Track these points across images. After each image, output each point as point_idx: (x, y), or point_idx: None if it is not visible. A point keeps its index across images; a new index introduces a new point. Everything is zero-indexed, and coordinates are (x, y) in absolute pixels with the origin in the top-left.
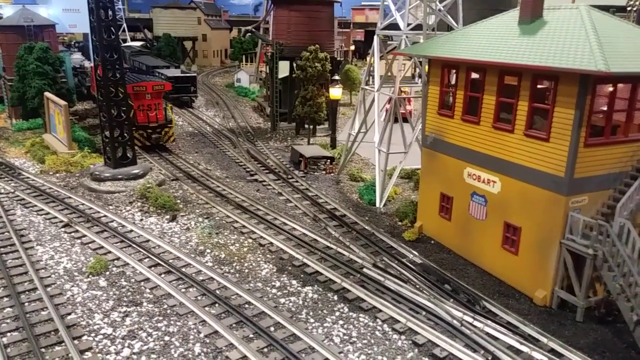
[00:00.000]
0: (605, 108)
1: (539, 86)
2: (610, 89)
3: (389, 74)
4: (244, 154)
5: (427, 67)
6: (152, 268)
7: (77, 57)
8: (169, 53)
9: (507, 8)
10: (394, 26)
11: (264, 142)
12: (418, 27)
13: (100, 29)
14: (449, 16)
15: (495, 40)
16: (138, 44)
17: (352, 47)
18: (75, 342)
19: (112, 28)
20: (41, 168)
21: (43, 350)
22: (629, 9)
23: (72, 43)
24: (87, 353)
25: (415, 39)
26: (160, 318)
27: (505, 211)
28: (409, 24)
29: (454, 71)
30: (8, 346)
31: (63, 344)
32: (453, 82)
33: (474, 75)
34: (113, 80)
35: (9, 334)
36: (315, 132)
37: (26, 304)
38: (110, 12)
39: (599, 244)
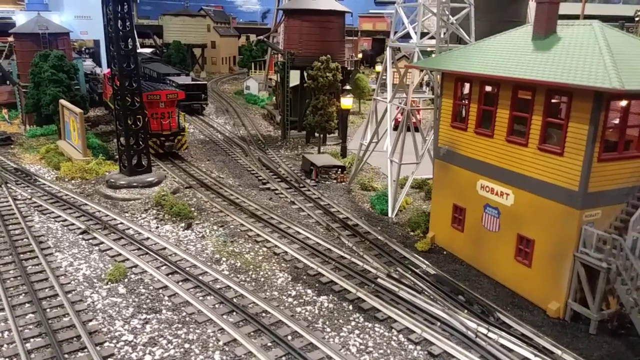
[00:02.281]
0: (618, 122)
1: (552, 101)
2: (624, 104)
3: (401, 83)
4: (255, 162)
5: (439, 79)
6: (170, 276)
7: (88, 63)
8: (178, 60)
9: (518, 20)
10: (405, 35)
11: (275, 151)
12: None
13: (118, 39)
14: (461, 29)
15: (509, 54)
16: (148, 50)
17: (360, 56)
18: (98, 348)
19: (129, 38)
20: (57, 174)
21: (66, 356)
22: (636, 19)
23: (83, 49)
24: (109, 359)
25: (425, 48)
26: (180, 325)
27: (519, 223)
28: (422, 34)
29: (467, 84)
30: (32, 352)
31: (86, 350)
32: (466, 95)
33: (488, 89)
34: (130, 90)
35: (32, 340)
36: (325, 140)
37: (48, 310)
38: (127, 23)
39: (612, 258)
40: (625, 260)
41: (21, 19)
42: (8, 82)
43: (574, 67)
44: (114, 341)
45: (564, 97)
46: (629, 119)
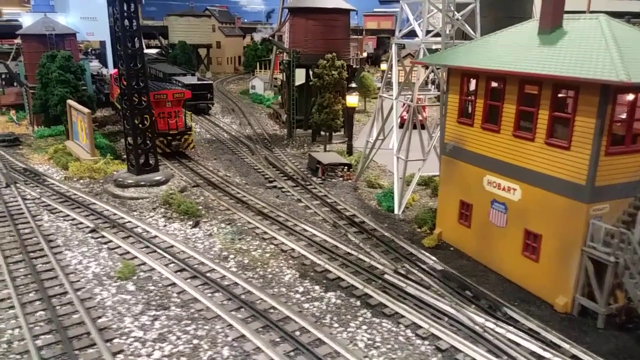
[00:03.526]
0: (625, 115)
1: (559, 95)
2: (631, 97)
3: (406, 81)
4: (262, 161)
5: (445, 75)
6: (178, 273)
7: (94, 64)
8: (184, 60)
9: (523, 15)
10: (410, 33)
11: (281, 149)
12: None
13: (125, 38)
14: (466, 25)
15: (515, 49)
16: (154, 51)
17: (365, 54)
18: (108, 344)
19: (136, 38)
20: (65, 174)
21: (77, 352)
22: None
23: (89, 50)
24: (119, 355)
25: (431, 45)
26: (189, 322)
27: (526, 218)
28: (427, 32)
29: (474, 80)
30: (42, 348)
31: (96, 346)
32: (472, 90)
33: (494, 84)
34: (137, 89)
35: (42, 337)
36: (331, 139)
37: (58, 307)
38: (134, 22)
39: (620, 252)
40: (633, 254)
41: (27, 20)
42: (16, 84)
43: (580, 61)
44: (124, 337)
45: (570, 91)
46: (636, 113)
